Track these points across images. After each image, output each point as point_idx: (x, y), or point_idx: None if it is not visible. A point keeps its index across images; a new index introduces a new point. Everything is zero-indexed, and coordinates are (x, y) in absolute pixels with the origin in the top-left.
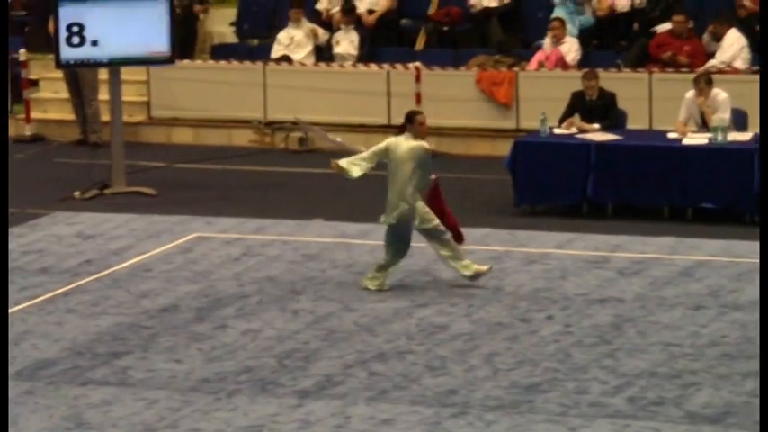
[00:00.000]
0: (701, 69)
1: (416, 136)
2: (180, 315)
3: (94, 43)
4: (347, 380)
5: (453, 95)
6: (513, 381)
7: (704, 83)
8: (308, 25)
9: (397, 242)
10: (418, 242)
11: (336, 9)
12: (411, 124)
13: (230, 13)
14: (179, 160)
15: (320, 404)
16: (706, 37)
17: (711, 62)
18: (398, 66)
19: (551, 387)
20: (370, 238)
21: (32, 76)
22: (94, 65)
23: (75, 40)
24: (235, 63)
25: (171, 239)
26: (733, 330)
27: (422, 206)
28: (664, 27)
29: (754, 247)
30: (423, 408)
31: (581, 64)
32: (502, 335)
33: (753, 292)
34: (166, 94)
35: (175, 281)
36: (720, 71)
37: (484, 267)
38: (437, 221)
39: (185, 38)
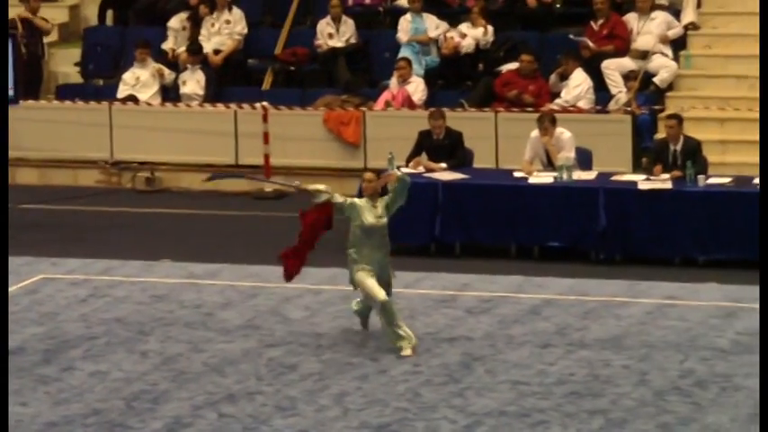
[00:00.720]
0: (545, 108)
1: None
2: (26, 357)
3: None
4: (197, 421)
5: (301, 135)
6: (364, 421)
7: (548, 122)
8: (153, 65)
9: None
10: (267, 282)
11: (182, 49)
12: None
13: (75, 53)
14: (24, 201)
15: None
16: (553, 77)
17: (557, 101)
18: (246, 105)
19: (401, 427)
20: (218, 278)
21: None
22: None
23: None
24: (80, 103)
25: (16, 281)
26: (580, 368)
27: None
28: (508, 66)
29: (600, 284)
30: None
31: (427, 103)
32: (351, 374)
33: (599, 329)
34: (11, 134)
35: (21, 323)
36: (565, 110)
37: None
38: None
39: (31, 78)
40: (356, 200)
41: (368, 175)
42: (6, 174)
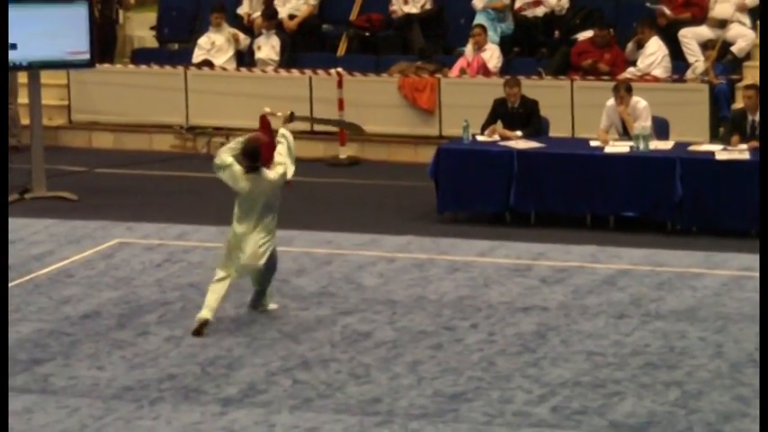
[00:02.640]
0: (621, 77)
1: None
2: (102, 322)
3: (13, 46)
4: (271, 388)
5: (375, 101)
6: (437, 389)
7: (624, 91)
8: (228, 30)
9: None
10: (341, 249)
11: (257, 14)
12: None
13: (150, 17)
14: (99, 165)
15: (244, 412)
16: (630, 45)
17: (631, 69)
18: (320, 71)
19: (475, 396)
20: (292, 245)
21: None
22: (13, 68)
23: None
24: (155, 67)
25: (92, 245)
26: (655, 340)
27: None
28: (584, 34)
29: (675, 255)
30: (347, 416)
31: (503, 71)
32: (426, 343)
33: (674, 300)
34: (86, 98)
35: (97, 287)
36: (641, 79)
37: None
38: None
39: (105, 42)
40: None
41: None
42: (6, 172)
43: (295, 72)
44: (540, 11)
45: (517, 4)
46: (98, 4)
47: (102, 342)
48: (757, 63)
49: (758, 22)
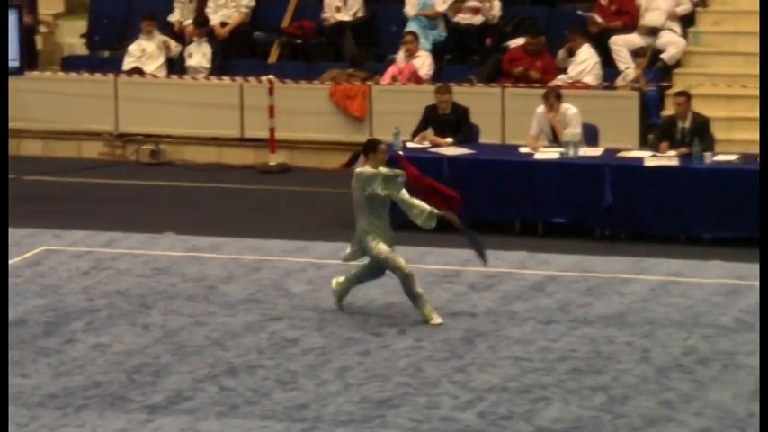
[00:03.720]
0: (551, 84)
1: (377, 164)
2: (28, 329)
3: None
4: (197, 395)
5: (306, 109)
6: (365, 395)
7: (554, 98)
8: (159, 37)
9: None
10: (270, 256)
11: (189, 21)
12: (374, 153)
13: (81, 24)
14: (27, 172)
15: (170, 419)
16: (561, 52)
17: (562, 77)
18: (251, 79)
19: (402, 402)
20: (221, 252)
21: None
22: None
23: None
24: (85, 75)
25: (19, 252)
26: (583, 345)
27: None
28: (516, 42)
29: (603, 261)
30: (273, 422)
31: (434, 78)
32: (353, 349)
33: (602, 306)
34: (15, 105)
35: (23, 294)
36: (572, 86)
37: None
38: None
39: (28, 50)
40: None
41: (383, 146)
42: (6, 174)
43: (226, 79)
44: (477, 19)
45: (454, 11)
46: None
47: (27, 350)
48: (686, 70)
49: (689, 30)
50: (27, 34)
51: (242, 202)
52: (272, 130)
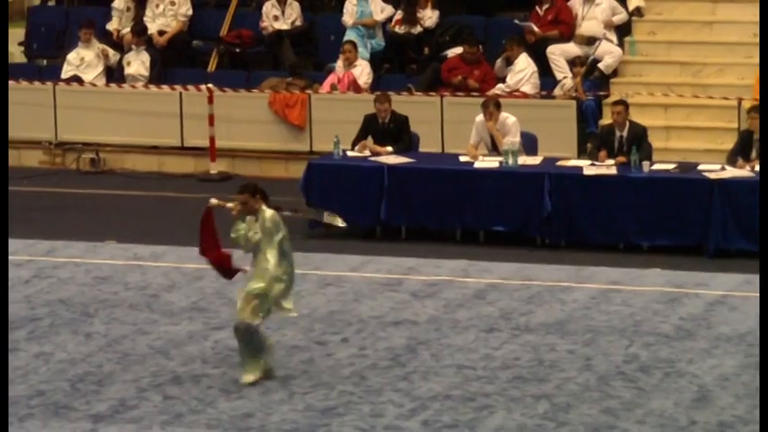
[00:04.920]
0: (490, 93)
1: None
2: None
3: None
4: (142, 404)
5: (246, 117)
6: (309, 404)
7: (493, 107)
8: (98, 45)
9: None
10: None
11: (127, 30)
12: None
13: (18, 32)
14: None
15: (114, 428)
16: (499, 62)
17: (500, 86)
18: (191, 87)
19: (347, 410)
20: (163, 260)
21: None
22: None
23: None
24: (24, 83)
25: None
26: (525, 353)
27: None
28: (454, 51)
29: (544, 269)
30: (217, 430)
31: (373, 87)
32: (297, 358)
33: (543, 314)
34: None
35: None
36: (510, 95)
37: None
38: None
39: None
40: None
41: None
42: (6, 169)
43: (165, 88)
44: (415, 29)
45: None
46: None
47: None
48: (624, 79)
49: (625, 39)
50: None
51: (183, 210)
52: (212, 139)
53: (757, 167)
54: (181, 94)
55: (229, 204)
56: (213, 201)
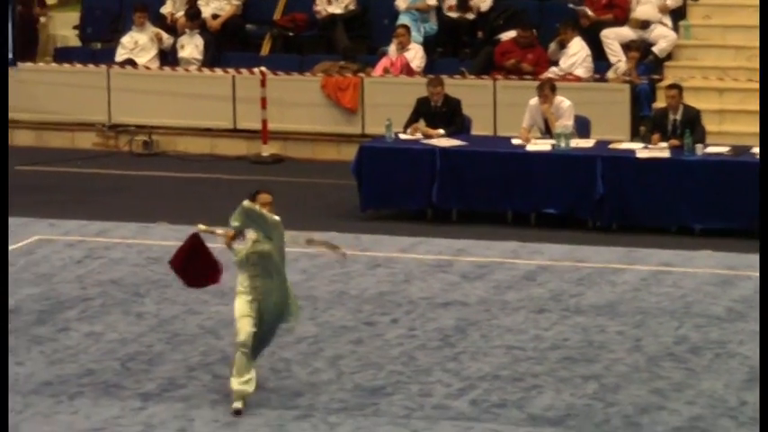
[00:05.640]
0: (544, 77)
1: None
2: (21, 317)
3: None
4: (190, 383)
5: (299, 100)
6: (358, 384)
7: (548, 89)
8: (152, 29)
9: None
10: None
11: (181, 13)
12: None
13: (73, 16)
14: (21, 162)
15: (163, 407)
16: (552, 45)
17: (553, 69)
18: (244, 70)
19: (395, 390)
20: (214, 241)
21: None
22: None
23: None
24: (78, 66)
25: (13, 241)
26: (574, 334)
27: None
28: (508, 34)
29: (595, 251)
30: (267, 410)
31: (426, 70)
32: (346, 338)
33: (593, 296)
34: (9, 95)
35: (17, 283)
36: (564, 78)
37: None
38: None
39: (26, 41)
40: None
41: (266, 197)
42: (6, 174)
43: (218, 71)
44: (469, 14)
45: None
46: (19, 3)
47: (21, 338)
48: (678, 63)
49: (680, 23)
50: (29, 24)
51: (235, 192)
52: (264, 122)
53: None
54: (234, 77)
55: (219, 231)
56: (201, 226)
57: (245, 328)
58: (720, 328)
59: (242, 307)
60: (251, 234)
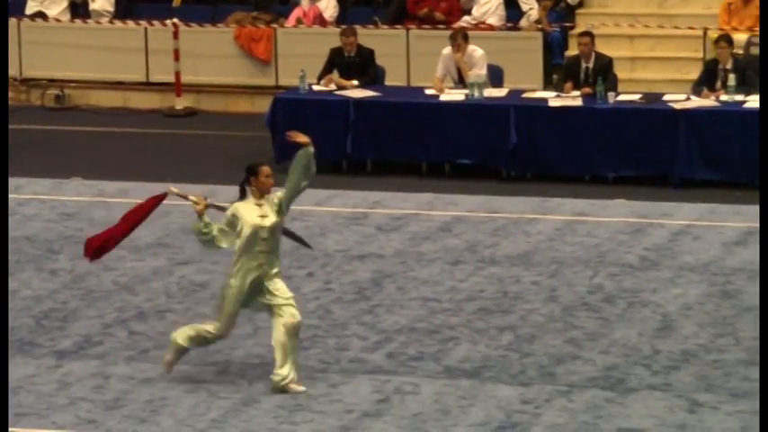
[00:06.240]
0: (456, 26)
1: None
2: None
3: None
4: (107, 339)
5: (212, 52)
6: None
7: (461, 38)
8: None
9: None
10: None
11: None
12: (255, 177)
13: None
14: None
15: (79, 364)
16: None
17: (466, 18)
18: (156, 22)
19: (312, 344)
20: (128, 196)
21: None
22: None
23: None
24: None
25: None
26: (490, 285)
27: None
28: None
29: (510, 201)
30: (184, 366)
31: (339, 20)
32: None
33: (508, 246)
34: None
35: None
36: (476, 27)
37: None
38: None
39: None
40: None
41: (266, 168)
42: (6, 161)
43: (130, 23)
44: None
45: None
46: None
47: None
48: (589, 10)
49: None
50: None
51: (148, 146)
52: (177, 74)
53: (723, 97)
54: (146, 29)
55: (192, 198)
56: (174, 189)
57: (228, 326)
58: (634, 277)
59: (233, 304)
60: (255, 210)
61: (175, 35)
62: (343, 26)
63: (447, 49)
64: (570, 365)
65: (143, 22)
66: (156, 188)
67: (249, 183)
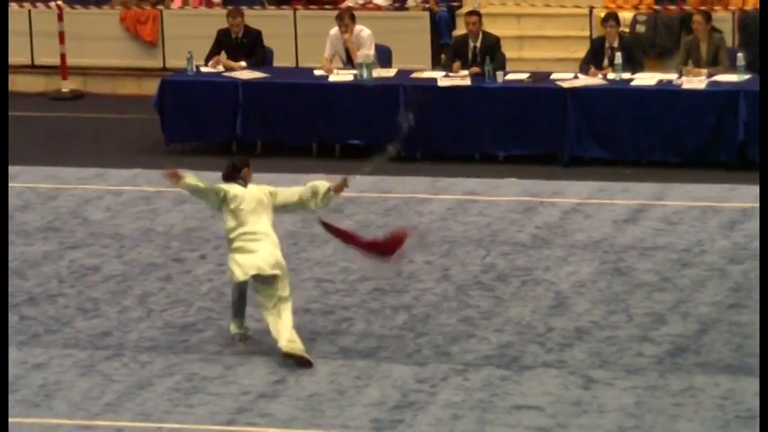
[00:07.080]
0: (343, 6)
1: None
2: None
3: None
4: None
5: (98, 34)
6: (167, 321)
7: (348, 19)
8: None
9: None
10: (67, 184)
11: None
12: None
13: None
14: None
15: None
16: None
17: None
18: (39, 4)
19: (206, 326)
20: (16, 181)
21: None
22: None
23: None
24: None
25: None
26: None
27: None
28: None
29: (401, 182)
30: (76, 351)
31: (225, 2)
32: (155, 275)
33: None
34: None
35: None
36: (363, 7)
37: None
38: None
39: None
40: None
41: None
42: (6, 163)
43: (14, 5)
44: None
45: None
46: None
47: None
48: None
49: None
50: None
51: (35, 129)
52: (63, 57)
53: (610, 75)
54: (30, 11)
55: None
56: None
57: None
58: (526, 255)
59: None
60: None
61: (60, 17)
62: (230, 7)
63: (334, 30)
64: (465, 344)
65: (27, 4)
66: (43, 172)
67: (241, 175)
